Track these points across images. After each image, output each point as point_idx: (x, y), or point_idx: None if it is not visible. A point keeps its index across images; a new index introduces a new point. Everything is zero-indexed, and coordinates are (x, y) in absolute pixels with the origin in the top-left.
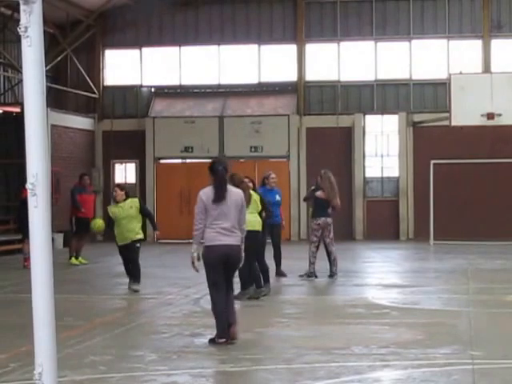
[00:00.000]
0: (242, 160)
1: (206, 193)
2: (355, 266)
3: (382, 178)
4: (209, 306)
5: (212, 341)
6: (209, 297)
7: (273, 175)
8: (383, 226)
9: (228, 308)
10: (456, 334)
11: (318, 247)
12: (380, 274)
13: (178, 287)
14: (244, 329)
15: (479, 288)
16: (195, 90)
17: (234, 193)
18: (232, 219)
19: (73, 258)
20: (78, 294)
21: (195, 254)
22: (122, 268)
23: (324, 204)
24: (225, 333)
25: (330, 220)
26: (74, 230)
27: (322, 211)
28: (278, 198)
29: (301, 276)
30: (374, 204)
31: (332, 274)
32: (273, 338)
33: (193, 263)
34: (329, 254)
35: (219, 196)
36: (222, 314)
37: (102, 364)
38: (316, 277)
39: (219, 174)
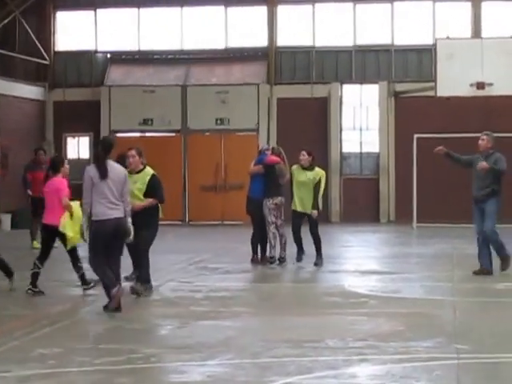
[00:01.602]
0: (207, 133)
1: (92, 170)
2: (331, 251)
3: (361, 153)
4: (169, 294)
5: (106, 308)
6: (170, 284)
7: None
8: (362, 206)
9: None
10: (439, 326)
11: (277, 228)
12: (358, 259)
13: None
14: (205, 318)
15: (465, 275)
16: (155, 57)
17: (116, 168)
18: (115, 193)
19: (34, 242)
20: (27, 280)
21: (85, 226)
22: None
23: (278, 181)
24: (115, 283)
25: (283, 199)
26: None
27: (277, 189)
28: None
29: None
30: (351, 182)
31: (282, 260)
32: (238, 330)
33: (82, 234)
34: (280, 236)
35: (102, 174)
36: (105, 272)
37: (51, 358)
38: (278, 262)
39: (96, 154)
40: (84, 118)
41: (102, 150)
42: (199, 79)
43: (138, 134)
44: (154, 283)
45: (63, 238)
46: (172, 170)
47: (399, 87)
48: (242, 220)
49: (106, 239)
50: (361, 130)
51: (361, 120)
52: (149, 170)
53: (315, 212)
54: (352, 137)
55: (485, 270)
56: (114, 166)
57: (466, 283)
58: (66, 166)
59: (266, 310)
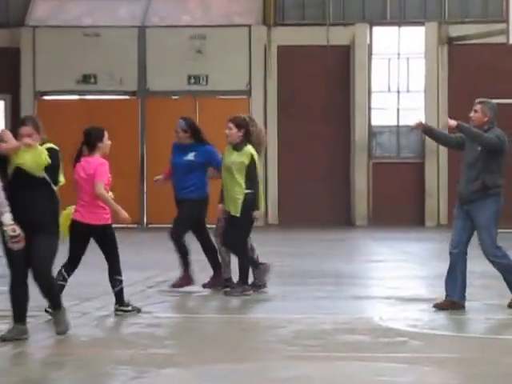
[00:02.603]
0: (174, 97)
1: None
2: (352, 268)
3: (399, 127)
4: (121, 330)
5: None
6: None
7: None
8: (399, 204)
9: None
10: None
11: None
12: (393, 280)
13: (73, 299)
14: (170, 365)
15: None
16: None
17: None
18: None
19: None
20: None
21: None
22: None
23: None
24: None
25: None
26: None
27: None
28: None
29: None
30: (384, 169)
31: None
32: (214, 382)
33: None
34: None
35: None
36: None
37: None
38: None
39: None
40: None
41: None
42: (164, 17)
43: (75, 97)
44: (98, 313)
45: None
46: (124, 150)
47: (455, 31)
48: None
49: None
50: (398, 92)
51: (399, 78)
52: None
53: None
54: (386, 103)
55: (450, 303)
56: None
57: None
58: (107, 141)
59: (255, 354)
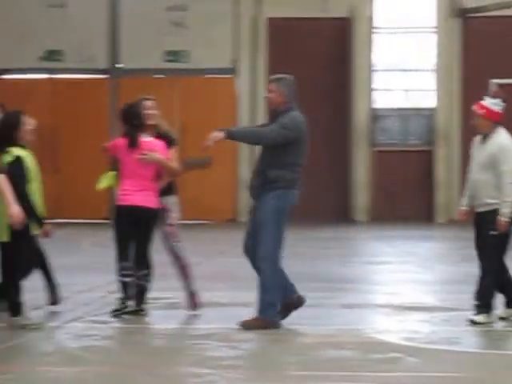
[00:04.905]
0: (151, 76)
1: None
2: (347, 271)
3: (405, 110)
4: (70, 343)
5: None
6: (74, 326)
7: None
8: (405, 197)
9: None
10: None
11: None
12: (392, 285)
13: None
14: None
15: None
16: None
17: None
18: None
19: None
20: None
21: None
22: None
23: None
24: None
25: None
26: None
27: None
28: None
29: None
30: (388, 158)
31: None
32: None
33: None
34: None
35: None
36: None
37: None
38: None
39: None
40: None
41: None
42: None
43: (38, 76)
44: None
45: None
46: (92, 136)
47: (469, 1)
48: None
49: None
50: (405, 71)
51: (405, 55)
52: None
53: None
54: (390, 83)
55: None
56: None
57: None
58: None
59: (227, 372)
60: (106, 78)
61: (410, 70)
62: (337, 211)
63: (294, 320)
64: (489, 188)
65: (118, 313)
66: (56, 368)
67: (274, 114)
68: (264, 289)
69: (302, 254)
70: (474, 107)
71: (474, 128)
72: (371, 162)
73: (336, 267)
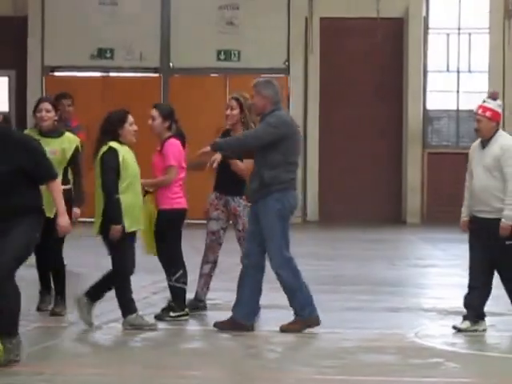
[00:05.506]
0: (202, 75)
1: None
2: (394, 274)
3: (458, 112)
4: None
5: None
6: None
7: None
8: (457, 200)
9: None
10: None
11: None
12: (439, 289)
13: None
14: None
15: None
16: None
17: None
18: None
19: None
20: None
21: None
22: None
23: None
24: None
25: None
26: None
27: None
28: None
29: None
30: (441, 160)
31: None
32: None
33: None
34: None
35: None
36: None
37: None
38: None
39: None
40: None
41: None
42: None
43: (89, 74)
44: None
45: None
46: (144, 135)
47: None
48: None
49: None
50: (459, 72)
51: (459, 56)
52: None
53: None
54: (444, 85)
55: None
56: None
57: None
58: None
59: (264, 374)
60: (157, 77)
61: (463, 72)
62: (388, 212)
63: (336, 323)
64: (499, 193)
65: (170, 319)
66: (87, 370)
67: (262, 117)
68: (291, 293)
69: (350, 257)
70: (479, 110)
71: (477, 133)
72: (424, 163)
73: (382, 270)
